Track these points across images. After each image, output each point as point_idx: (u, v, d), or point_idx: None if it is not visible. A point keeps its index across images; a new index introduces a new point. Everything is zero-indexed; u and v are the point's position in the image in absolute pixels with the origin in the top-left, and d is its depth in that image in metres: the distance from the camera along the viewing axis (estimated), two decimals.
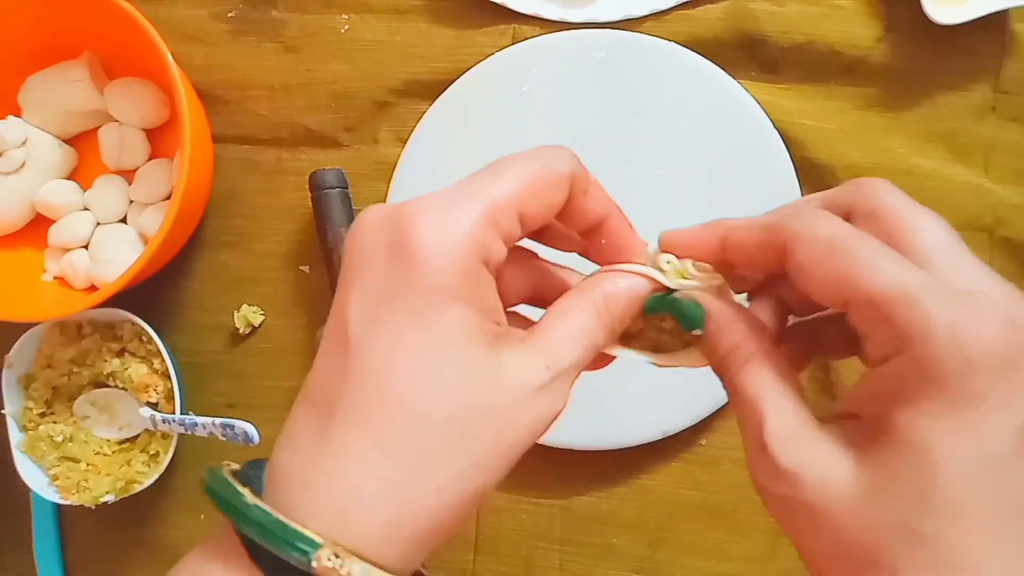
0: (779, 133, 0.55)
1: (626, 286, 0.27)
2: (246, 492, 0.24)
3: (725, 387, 0.27)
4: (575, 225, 0.28)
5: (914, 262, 0.23)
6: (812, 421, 0.24)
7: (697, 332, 0.27)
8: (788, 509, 0.24)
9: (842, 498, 0.22)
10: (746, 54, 0.57)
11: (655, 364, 0.29)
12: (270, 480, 0.24)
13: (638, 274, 0.28)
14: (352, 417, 0.23)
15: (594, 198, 0.27)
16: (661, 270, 0.28)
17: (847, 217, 0.25)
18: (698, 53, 0.56)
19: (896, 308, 0.22)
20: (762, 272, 0.28)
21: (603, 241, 0.28)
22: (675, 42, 0.56)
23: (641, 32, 0.57)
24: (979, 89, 0.55)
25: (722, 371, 0.27)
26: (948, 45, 0.55)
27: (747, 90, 0.55)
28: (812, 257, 0.24)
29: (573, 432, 0.54)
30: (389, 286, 0.23)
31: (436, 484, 0.23)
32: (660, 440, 0.55)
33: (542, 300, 0.29)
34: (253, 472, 0.25)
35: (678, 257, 0.28)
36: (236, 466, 0.26)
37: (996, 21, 0.53)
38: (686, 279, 0.28)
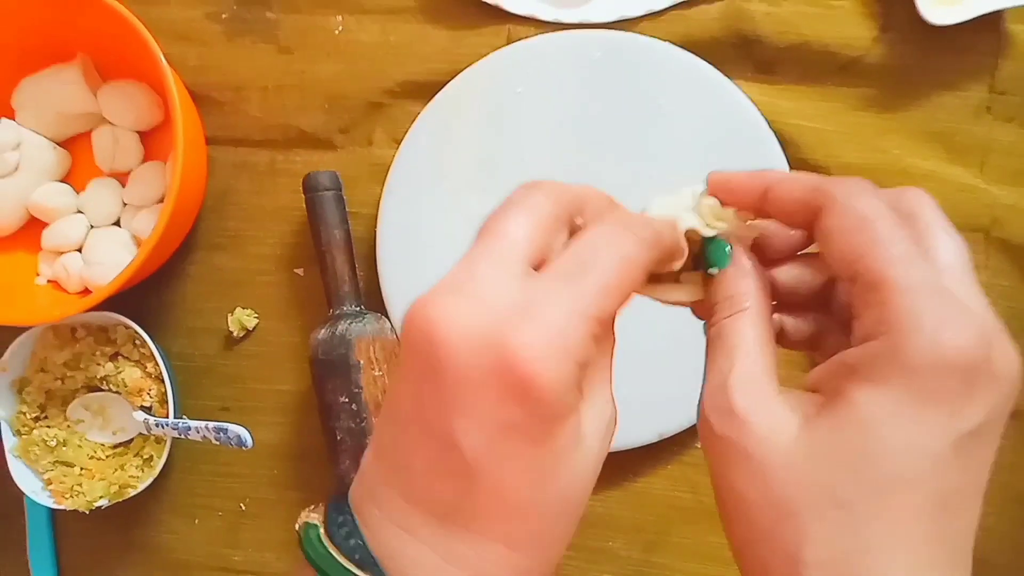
0: (775, 133, 0.55)
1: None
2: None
3: (708, 326, 0.28)
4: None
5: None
6: (775, 383, 0.26)
7: (712, 271, 0.28)
8: (724, 450, 0.25)
9: (781, 452, 0.24)
10: (742, 54, 0.57)
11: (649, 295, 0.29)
12: (391, 568, 0.25)
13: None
14: (478, 524, 0.25)
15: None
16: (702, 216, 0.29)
17: None
18: (694, 53, 0.55)
19: (895, 295, 0.23)
20: (791, 226, 0.29)
21: None
22: (671, 42, 0.56)
23: (636, 32, 0.56)
24: (975, 89, 0.55)
25: (714, 311, 0.28)
26: (944, 45, 0.54)
27: (742, 90, 0.55)
28: (841, 226, 0.25)
29: None
30: (507, 418, 0.23)
31: (550, 560, 0.26)
32: (655, 443, 0.54)
33: None
34: (343, 530, 0.25)
35: (721, 203, 0.29)
36: (318, 520, 0.26)
37: (991, 21, 0.53)
38: (720, 223, 0.29)
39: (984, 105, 0.55)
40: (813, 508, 0.23)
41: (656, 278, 0.29)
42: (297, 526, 0.26)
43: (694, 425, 0.54)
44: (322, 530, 0.25)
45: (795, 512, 0.24)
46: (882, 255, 0.24)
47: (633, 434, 0.54)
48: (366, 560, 0.24)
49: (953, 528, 0.23)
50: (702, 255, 0.29)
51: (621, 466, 0.56)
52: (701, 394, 0.27)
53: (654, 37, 0.56)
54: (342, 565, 0.24)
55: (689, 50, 0.55)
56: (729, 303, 0.28)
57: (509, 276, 0.24)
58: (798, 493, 0.24)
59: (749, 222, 0.29)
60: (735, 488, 0.25)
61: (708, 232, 0.29)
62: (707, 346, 0.28)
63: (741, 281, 0.28)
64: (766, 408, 0.25)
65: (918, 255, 0.24)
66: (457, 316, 0.23)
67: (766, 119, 0.55)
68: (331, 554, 0.24)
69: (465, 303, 0.23)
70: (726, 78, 0.55)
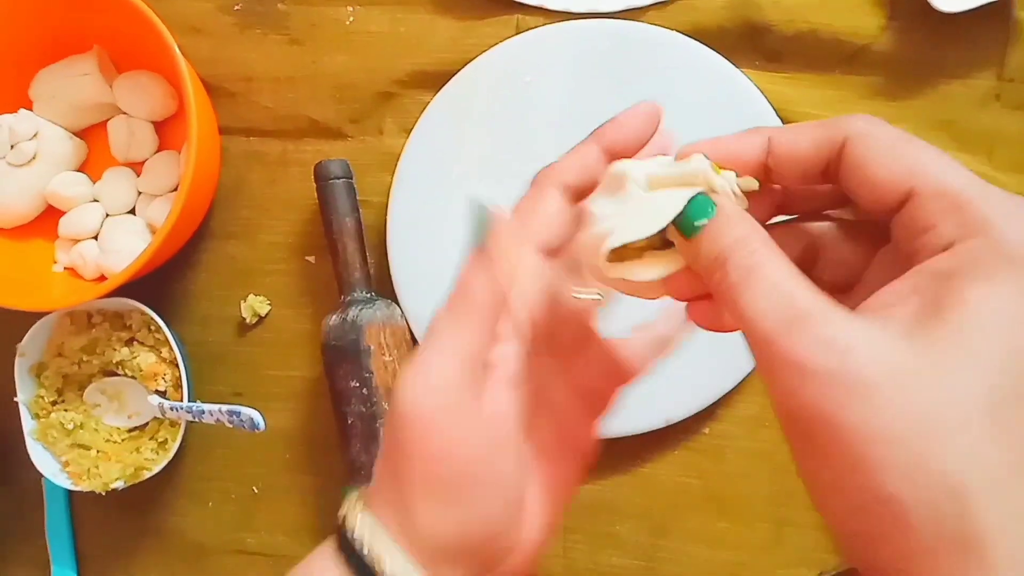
0: (782, 122, 0.55)
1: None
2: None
3: (720, 282, 0.24)
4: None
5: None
6: (842, 309, 0.22)
7: (701, 222, 0.25)
8: (830, 386, 0.21)
9: (902, 369, 0.20)
10: (750, 43, 0.57)
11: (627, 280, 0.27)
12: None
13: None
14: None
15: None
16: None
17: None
18: (702, 42, 0.56)
19: (971, 199, 0.22)
20: (800, 180, 0.26)
21: None
22: (678, 31, 0.56)
23: (644, 22, 0.57)
24: (983, 78, 0.55)
25: (721, 262, 0.24)
26: (952, 34, 0.54)
27: (751, 79, 0.55)
28: (876, 150, 0.24)
29: None
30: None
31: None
32: (663, 429, 0.55)
33: None
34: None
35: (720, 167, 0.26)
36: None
37: (1000, 9, 0.53)
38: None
39: (993, 93, 0.55)
40: (973, 436, 0.20)
41: (622, 257, 0.27)
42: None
43: (701, 411, 0.55)
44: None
45: (956, 435, 0.20)
46: (932, 165, 0.23)
47: (640, 420, 0.55)
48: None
49: None
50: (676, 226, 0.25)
51: (628, 452, 0.57)
52: (764, 338, 0.22)
53: (662, 26, 0.56)
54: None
55: (697, 39, 0.56)
56: (739, 247, 0.24)
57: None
58: (949, 416, 0.20)
59: (737, 188, 0.26)
60: (859, 429, 0.20)
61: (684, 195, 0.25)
62: (729, 295, 0.23)
63: (739, 224, 0.24)
64: (858, 326, 0.21)
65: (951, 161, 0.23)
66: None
67: (774, 108, 0.55)
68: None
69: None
70: (734, 67, 0.55)
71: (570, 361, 0.31)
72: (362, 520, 0.27)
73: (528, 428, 0.29)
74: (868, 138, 0.24)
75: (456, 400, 0.27)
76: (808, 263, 0.27)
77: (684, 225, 0.25)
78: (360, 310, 0.55)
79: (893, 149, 0.24)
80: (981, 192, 0.22)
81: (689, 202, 0.25)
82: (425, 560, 0.26)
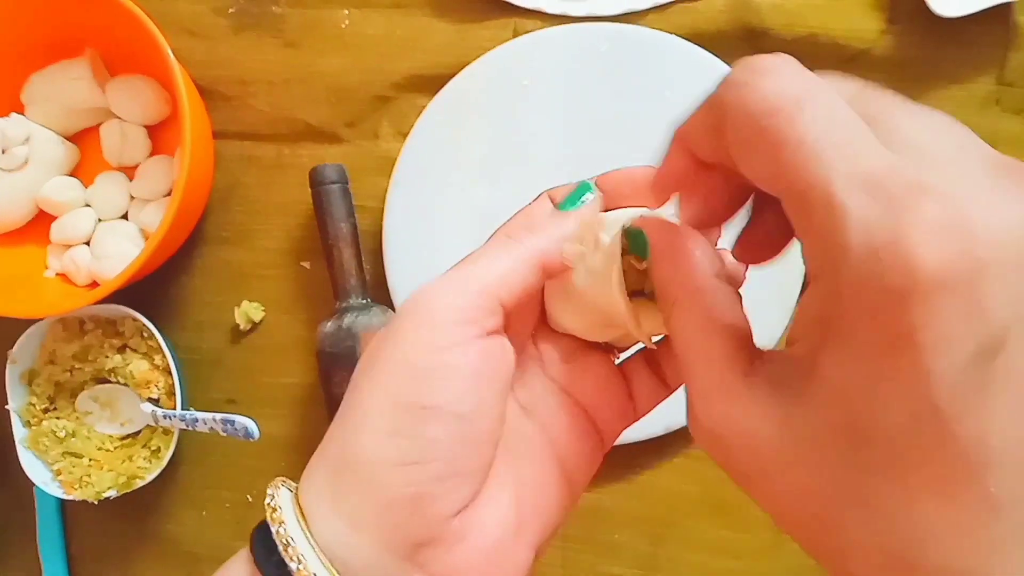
0: None
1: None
2: None
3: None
4: None
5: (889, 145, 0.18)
6: (742, 366, 0.21)
7: (644, 265, 0.25)
8: (732, 474, 0.21)
9: (770, 460, 0.19)
10: (749, 46, 0.57)
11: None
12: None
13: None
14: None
15: None
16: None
17: None
18: (700, 46, 0.55)
19: (822, 212, 0.17)
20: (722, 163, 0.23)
21: None
22: (677, 35, 0.56)
23: (643, 25, 0.56)
24: (983, 82, 0.55)
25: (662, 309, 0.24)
26: (951, 37, 0.54)
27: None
28: (742, 134, 0.19)
29: None
30: None
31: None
32: (662, 436, 0.55)
33: None
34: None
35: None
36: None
37: (1000, 13, 0.53)
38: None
39: (992, 97, 0.55)
40: (838, 512, 0.19)
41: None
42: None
43: None
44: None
45: (826, 523, 0.19)
46: (798, 152, 0.18)
47: (640, 428, 0.54)
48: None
49: (1006, 477, 0.17)
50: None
51: (628, 459, 0.56)
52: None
53: (660, 30, 0.56)
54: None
55: (696, 43, 0.55)
56: (662, 301, 0.23)
57: None
58: (817, 504, 0.19)
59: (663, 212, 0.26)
60: (765, 505, 0.21)
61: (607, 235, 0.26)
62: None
63: (662, 268, 0.23)
64: (738, 410, 0.20)
65: (858, 132, 0.18)
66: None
67: None
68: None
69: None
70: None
71: (581, 378, 0.30)
72: (277, 495, 0.26)
73: (510, 427, 0.28)
74: (736, 115, 0.19)
75: (461, 322, 0.25)
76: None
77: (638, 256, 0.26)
78: (356, 316, 0.55)
79: (759, 131, 0.19)
80: (846, 193, 0.17)
81: (629, 239, 0.26)
82: (351, 522, 0.24)
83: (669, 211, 0.26)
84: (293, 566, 0.23)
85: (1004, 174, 0.17)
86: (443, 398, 0.24)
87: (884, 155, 0.18)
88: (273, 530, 0.24)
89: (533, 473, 0.28)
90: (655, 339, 0.28)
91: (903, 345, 0.16)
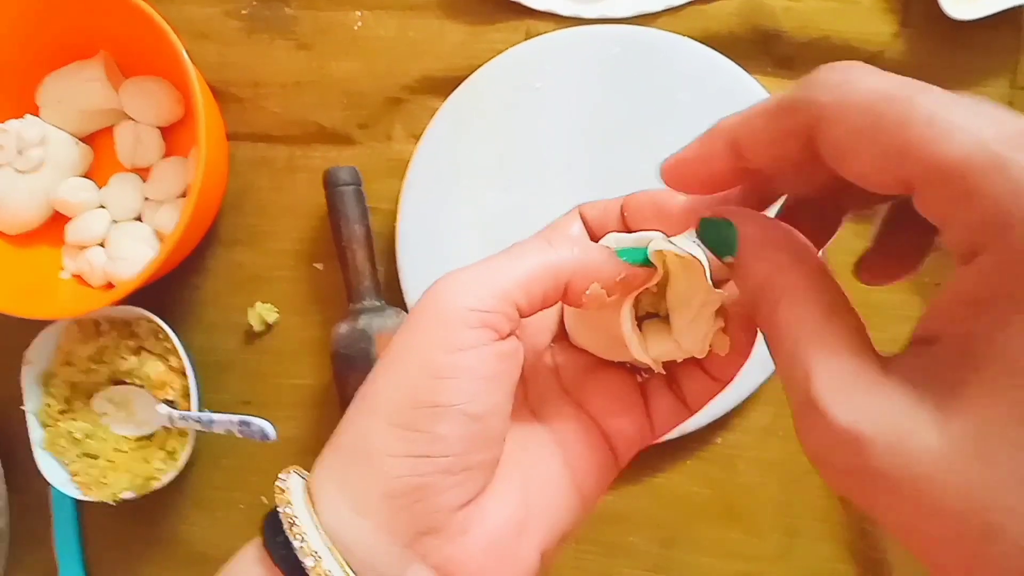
0: None
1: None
2: None
3: (761, 329, 0.22)
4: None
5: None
6: (874, 362, 0.19)
7: (728, 260, 0.23)
8: (859, 483, 0.18)
9: (930, 461, 0.17)
10: (761, 49, 0.57)
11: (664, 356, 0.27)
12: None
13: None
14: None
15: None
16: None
17: None
18: (713, 48, 0.55)
19: (981, 178, 0.16)
20: (794, 176, 0.23)
21: None
22: (690, 37, 0.56)
23: (655, 27, 0.56)
24: (996, 85, 0.55)
25: (754, 307, 0.22)
26: (964, 41, 0.54)
27: (762, 85, 0.55)
28: (851, 130, 0.18)
29: None
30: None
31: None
32: (675, 439, 0.55)
33: None
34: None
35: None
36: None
37: (1013, 17, 0.53)
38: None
39: (1006, 101, 0.55)
40: (1012, 517, 0.16)
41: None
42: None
43: (713, 421, 0.54)
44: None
45: (992, 531, 0.16)
46: (927, 134, 0.17)
47: None
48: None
49: None
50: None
51: (641, 462, 0.56)
52: (794, 422, 0.20)
53: (673, 32, 0.56)
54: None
55: (708, 45, 0.55)
56: (763, 297, 0.21)
57: None
58: (981, 504, 0.16)
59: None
60: (901, 524, 0.18)
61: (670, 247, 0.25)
62: (772, 356, 0.21)
63: (764, 258, 0.22)
64: (878, 408, 0.18)
65: (976, 108, 0.17)
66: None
67: None
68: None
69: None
70: (745, 73, 0.55)
71: (596, 394, 0.30)
72: (288, 479, 0.26)
73: (524, 431, 0.28)
74: (837, 114, 0.19)
75: (479, 326, 0.25)
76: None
77: (716, 253, 0.24)
78: (370, 318, 0.55)
79: (873, 123, 0.18)
80: (1008, 160, 0.16)
81: (706, 229, 0.25)
82: (355, 506, 0.25)
83: (689, 239, 0.26)
84: (297, 544, 0.24)
85: None
86: (457, 398, 0.25)
87: (1018, 117, 0.16)
88: (280, 510, 0.25)
89: (543, 476, 0.28)
90: (683, 358, 0.28)
91: None
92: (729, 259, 0.23)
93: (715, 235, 0.24)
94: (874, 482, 0.18)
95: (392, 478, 0.24)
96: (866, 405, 0.18)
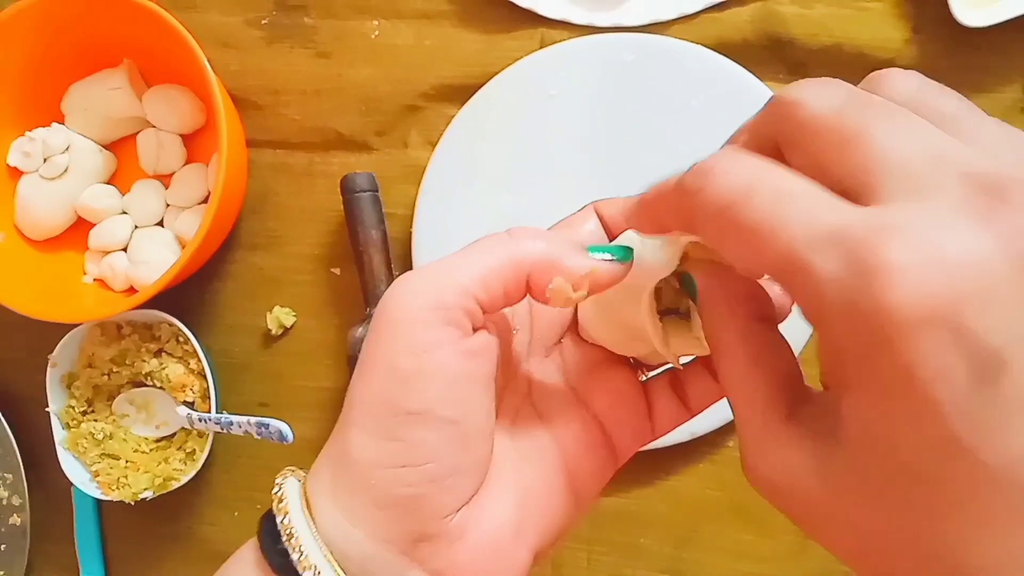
0: None
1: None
2: None
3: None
4: None
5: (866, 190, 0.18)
6: (785, 411, 0.21)
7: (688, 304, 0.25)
8: (790, 516, 0.21)
9: (821, 512, 0.20)
10: (774, 56, 0.57)
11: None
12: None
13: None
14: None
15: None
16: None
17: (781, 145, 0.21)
18: (726, 56, 0.56)
19: (795, 277, 0.18)
20: None
21: None
22: (703, 45, 0.56)
23: (669, 35, 0.57)
24: (1008, 91, 0.55)
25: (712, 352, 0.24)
26: (976, 47, 0.54)
27: (775, 92, 0.55)
28: (709, 225, 0.20)
29: None
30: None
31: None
32: (687, 441, 0.55)
33: None
34: None
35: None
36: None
37: None
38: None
39: (1018, 107, 0.55)
40: (894, 550, 0.18)
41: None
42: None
43: (725, 424, 0.55)
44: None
45: (889, 560, 0.19)
46: (767, 229, 0.18)
47: None
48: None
49: None
50: None
51: (654, 464, 0.57)
52: None
53: (686, 40, 0.56)
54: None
55: (721, 52, 0.56)
56: (712, 346, 0.23)
57: None
58: (874, 556, 0.19)
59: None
60: (827, 548, 0.21)
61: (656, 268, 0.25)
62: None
63: (710, 314, 0.23)
64: (779, 457, 0.20)
65: (818, 195, 0.18)
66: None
67: None
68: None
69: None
70: (758, 80, 0.56)
71: (601, 391, 0.30)
72: (284, 484, 0.26)
73: (519, 429, 0.28)
74: (699, 207, 0.20)
75: (440, 323, 0.25)
76: None
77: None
78: None
79: (724, 218, 0.20)
80: (813, 258, 0.18)
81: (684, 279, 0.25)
82: (350, 517, 0.25)
83: None
84: (295, 556, 0.24)
85: (984, 192, 0.17)
86: (429, 402, 0.24)
87: (841, 208, 0.18)
88: (278, 520, 0.25)
89: (539, 478, 0.28)
90: (683, 360, 0.28)
91: (906, 384, 0.17)
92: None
93: (688, 285, 0.25)
94: (791, 514, 0.21)
95: (380, 490, 0.24)
96: (772, 459, 0.21)
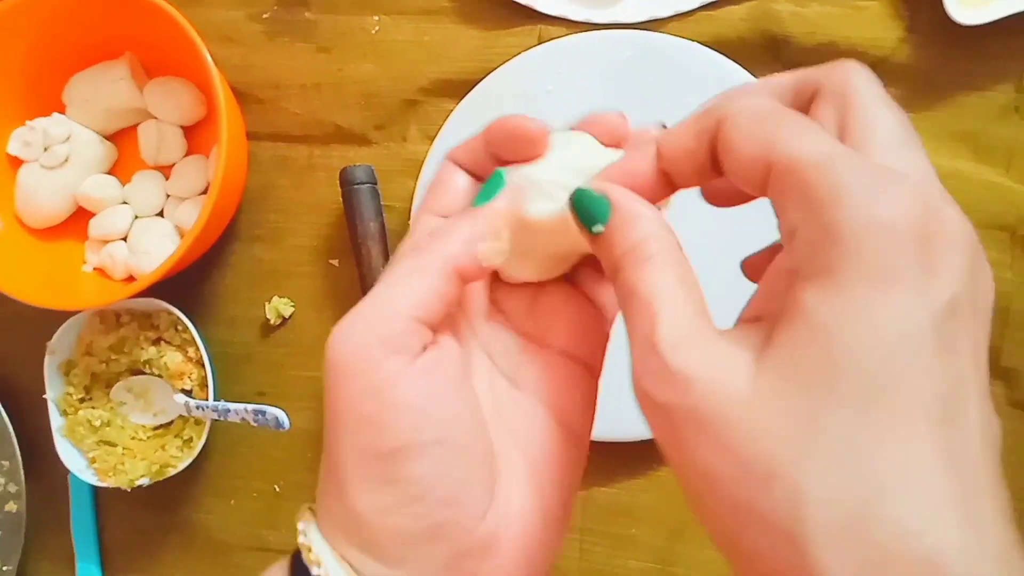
0: None
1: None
2: None
3: (616, 288, 0.24)
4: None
5: (851, 145, 0.22)
6: (711, 326, 0.22)
7: (598, 228, 0.25)
8: (672, 421, 0.21)
9: (736, 401, 0.20)
10: (769, 54, 0.58)
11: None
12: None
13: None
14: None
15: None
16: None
17: (812, 97, 0.24)
18: (722, 53, 0.56)
19: (811, 171, 0.20)
20: (698, 178, 0.26)
21: None
22: (699, 42, 0.57)
23: (665, 32, 0.57)
24: (1002, 90, 0.55)
25: (617, 269, 0.24)
26: (971, 46, 0.55)
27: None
28: (740, 129, 0.23)
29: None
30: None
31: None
32: None
33: None
34: None
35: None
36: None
37: (1019, 22, 0.53)
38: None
39: (1012, 106, 0.55)
40: (795, 455, 0.19)
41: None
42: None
43: None
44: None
45: (774, 470, 0.19)
46: (786, 138, 0.21)
47: None
48: None
49: (960, 441, 0.19)
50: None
51: (645, 455, 0.57)
52: (632, 361, 0.23)
53: (683, 37, 0.57)
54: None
55: (717, 50, 0.56)
56: (633, 254, 0.24)
57: None
58: (775, 445, 0.19)
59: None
60: (698, 465, 0.20)
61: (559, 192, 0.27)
62: (621, 305, 0.24)
63: (636, 229, 0.24)
64: (706, 357, 0.21)
65: (827, 134, 0.22)
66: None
67: None
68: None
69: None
70: (754, 78, 0.56)
71: (553, 322, 0.30)
72: (308, 532, 0.26)
73: (502, 406, 0.28)
74: (734, 118, 0.23)
75: (388, 355, 0.24)
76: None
77: (584, 223, 0.25)
78: None
79: (754, 126, 0.22)
80: (832, 162, 0.20)
81: (580, 200, 0.26)
82: (381, 560, 0.25)
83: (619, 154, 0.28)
84: None
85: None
86: (406, 435, 0.24)
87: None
88: (314, 573, 0.25)
89: (538, 442, 0.28)
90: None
91: (892, 280, 0.19)
92: (599, 228, 0.25)
93: (587, 206, 0.25)
94: (686, 418, 0.21)
95: (402, 532, 0.24)
96: (696, 352, 0.21)
